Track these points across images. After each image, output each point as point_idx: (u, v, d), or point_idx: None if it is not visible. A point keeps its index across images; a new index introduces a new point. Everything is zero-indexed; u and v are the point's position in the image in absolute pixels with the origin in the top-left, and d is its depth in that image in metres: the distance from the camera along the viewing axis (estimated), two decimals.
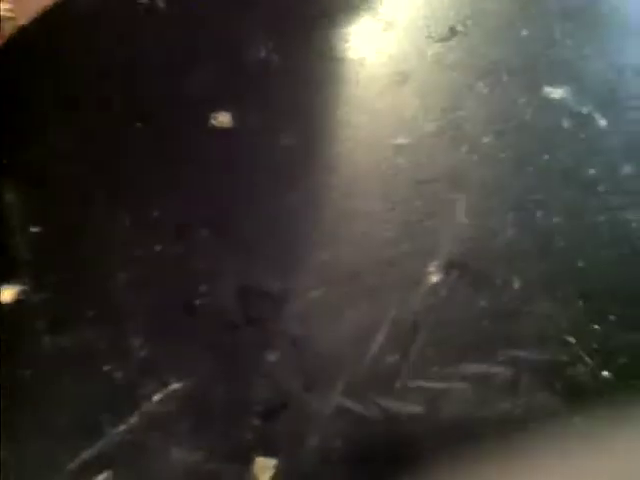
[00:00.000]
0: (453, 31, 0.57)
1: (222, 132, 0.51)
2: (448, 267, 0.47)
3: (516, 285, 0.46)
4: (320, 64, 0.55)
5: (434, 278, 0.46)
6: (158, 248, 0.46)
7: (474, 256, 0.48)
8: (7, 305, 0.44)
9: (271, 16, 0.57)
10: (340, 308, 0.45)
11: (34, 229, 0.46)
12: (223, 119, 0.51)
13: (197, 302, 0.44)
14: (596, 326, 0.45)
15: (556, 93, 0.55)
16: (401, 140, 0.52)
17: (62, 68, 0.53)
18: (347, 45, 0.56)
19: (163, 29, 0.55)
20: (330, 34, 0.57)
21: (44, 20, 0.56)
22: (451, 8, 0.58)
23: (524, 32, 0.58)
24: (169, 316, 0.44)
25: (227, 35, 0.56)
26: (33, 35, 0.55)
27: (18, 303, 0.44)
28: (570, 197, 0.50)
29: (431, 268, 0.47)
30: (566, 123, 0.53)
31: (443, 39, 0.56)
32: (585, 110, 0.54)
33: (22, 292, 0.44)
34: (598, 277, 0.47)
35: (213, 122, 0.51)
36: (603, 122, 0.53)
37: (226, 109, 0.52)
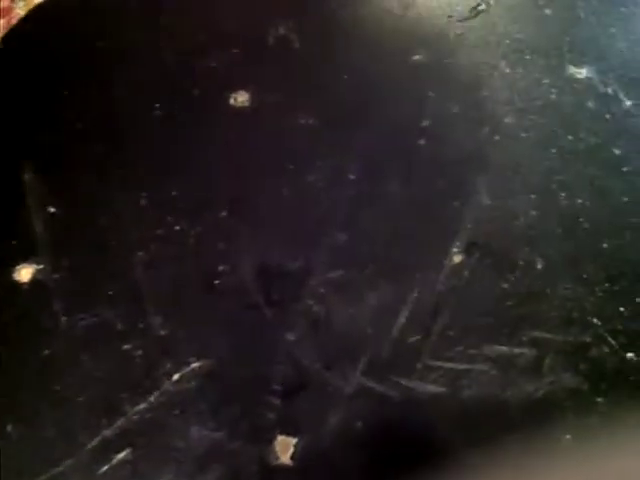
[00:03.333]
0: (475, 10, 0.56)
1: (241, 111, 0.50)
2: (470, 248, 0.46)
3: (539, 266, 0.46)
4: (339, 43, 0.55)
5: (456, 259, 0.46)
6: (177, 228, 0.46)
7: (497, 237, 0.47)
8: (24, 284, 0.43)
9: None
10: (360, 288, 0.45)
11: (51, 209, 0.46)
12: (242, 98, 0.51)
13: (216, 282, 0.44)
14: (621, 308, 0.44)
15: (580, 73, 0.54)
16: (423, 121, 0.51)
17: (77, 49, 0.53)
18: (368, 25, 0.56)
19: (181, 8, 0.55)
20: (350, 13, 0.56)
21: (57, 4, 0.56)
22: None
23: (547, 11, 0.57)
24: (188, 295, 0.44)
25: (245, 14, 0.55)
26: (47, 16, 0.55)
27: (35, 283, 0.44)
28: (594, 178, 0.49)
29: (453, 249, 0.46)
30: (591, 103, 0.52)
31: (465, 18, 0.56)
32: (610, 90, 0.53)
33: (39, 272, 0.44)
34: (623, 259, 0.46)
35: (232, 102, 0.51)
36: (628, 102, 0.52)
37: (245, 88, 0.51)
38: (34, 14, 0.54)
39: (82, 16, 0.54)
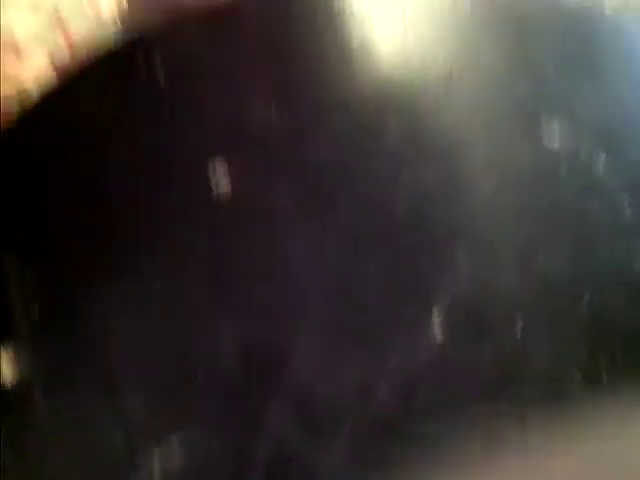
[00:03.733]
0: (448, 76, 0.57)
1: (222, 193, 0.51)
2: (450, 313, 0.46)
3: (520, 329, 0.45)
4: (319, 116, 0.56)
5: (436, 324, 0.46)
6: (156, 309, 0.46)
7: (476, 301, 0.47)
8: (6, 379, 0.44)
9: (271, 74, 0.58)
10: (340, 359, 0.45)
11: (34, 303, 0.47)
12: (222, 179, 0.52)
13: (196, 360, 0.44)
14: (603, 364, 0.44)
15: (554, 135, 0.54)
16: (400, 190, 0.52)
17: (59, 135, 0.54)
18: (345, 96, 0.57)
19: (161, 92, 0.56)
20: (328, 87, 0.57)
21: (44, 104, 0.58)
22: (447, 55, 0.59)
23: (520, 73, 0.58)
24: (169, 376, 0.44)
25: (227, 95, 0.57)
26: (39, 111, 0.57)
27: (16, 372, 0.44)
28: (572, 239, 0.49)
29: (433, 315, 0.46)
30: (565, 165, 0.53)
31: (438, 85, 0.57)
32: (585, 148, 0.53)
33: (20, 362, 0.44)
34: (604, 318, 0.46)
35: (212, 183, 0.52)
36: (603, 160, 0.53)
37: (225, 169, 0.52)
38: (22, 119, 0.55)
39: (65, 101, 0.56)
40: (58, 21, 0.65)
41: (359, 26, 0.60)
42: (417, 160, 0.53)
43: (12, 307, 0.46)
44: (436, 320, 0.46)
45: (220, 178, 0.52)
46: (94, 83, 0.59)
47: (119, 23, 0.64)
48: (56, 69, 0.63)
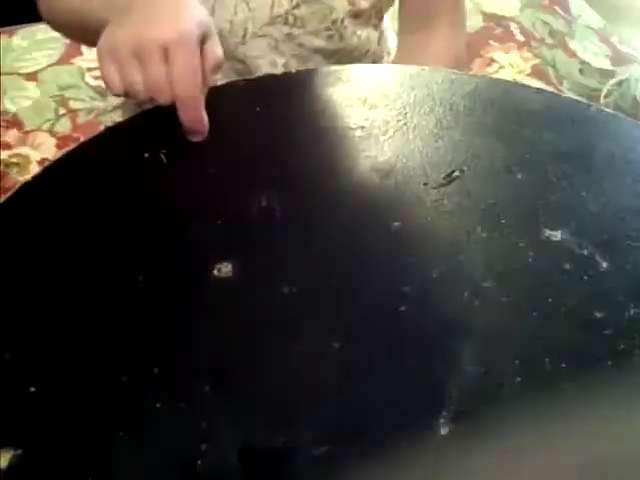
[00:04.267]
0: (450, 177, 0.58)
1: (224, 283, 0.51)
2: (456, 417, 0.45)
3: (527, 435, 0.45)
4: (321, 213, 0.56)
5: (443, 430, 0.45)
6: (158, 405, 0.45)
7: (482, 405, 0.46)
8: (2, 471, 0.42)
9: (272, 167, 0.58)
10: (346, 465, 0.44)
11: (32, 389, 0.45)
12: (226, 269, 0.51)
13: (198, 462, 0.43)
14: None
15: (555, 235, 0.55)
16: (403, 287, 0.52)
17: (60, 223, 0.54)
18: (348, 194, 0.57)
19: (165, 181, 0.56)
20: (331, 183, 0.58)
21: (47, 175, 0.57)
22: (447, 155, 0.60)
23: (519, 176, 0.59)
24: (169, 477, 0.43)
25: (228, 186, 0.57)
26: (37, 189, 0.56)
27: (12, 468, 0.42)
28: (576, 341, 0.50)
29: (440, 420, 0.45)
30: (567, 265, 0.53)
31: (440, 185, 0.57)
32: (586, 251, 0.54)
33: (16, 456, 0.43)
34: (610, 421, 0.46)
35: (215, 273, 0.51)
36: (605, 264, 0.53)
37: (228, 260, 0.52)
38: (21, 193, 0.55)
39: (64, 195, 0.56)
40: (60, 93, 0.65)
41: (361, 125, 0.61)
42: (421, 255, 0.54)
43: (10, 395, 0.45)
44: (442, 426, 0.45)
45: (225, 273, 0.51)
46: (95, 157, 0.59)
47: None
48: (57, 140, 0.63)
